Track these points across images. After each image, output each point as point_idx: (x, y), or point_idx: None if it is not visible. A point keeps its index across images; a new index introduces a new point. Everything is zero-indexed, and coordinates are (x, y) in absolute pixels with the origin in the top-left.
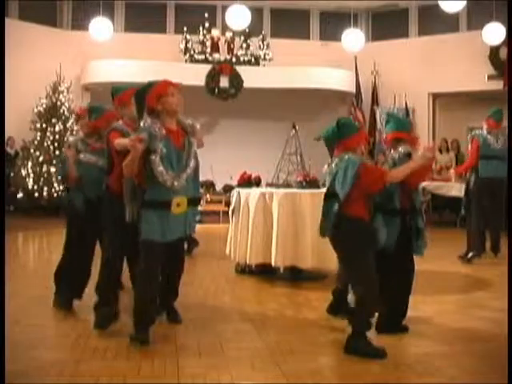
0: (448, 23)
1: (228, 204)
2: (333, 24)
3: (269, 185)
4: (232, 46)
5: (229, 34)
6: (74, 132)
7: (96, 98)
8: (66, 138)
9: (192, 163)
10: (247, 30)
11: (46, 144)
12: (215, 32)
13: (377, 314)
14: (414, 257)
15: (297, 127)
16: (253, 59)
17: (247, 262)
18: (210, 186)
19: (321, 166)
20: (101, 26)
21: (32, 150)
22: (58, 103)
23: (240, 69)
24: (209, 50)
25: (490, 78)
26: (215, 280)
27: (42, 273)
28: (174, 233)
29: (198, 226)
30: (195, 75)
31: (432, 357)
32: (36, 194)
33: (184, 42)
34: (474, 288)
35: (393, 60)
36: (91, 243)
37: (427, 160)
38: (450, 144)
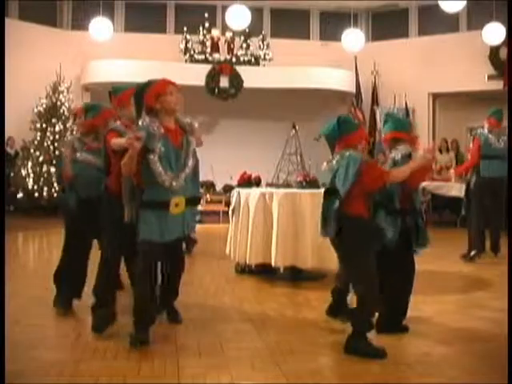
0: (448, 23)
1: (228, 204)
2: (333, 24)
3: (269, 185)
4: (232, 45)
5: (229, 34)
6: (74, 132)
7: (96, 97)
8: (65, 138)
9: (191, 162)
10: (247, 30)
11: (45, 144)
12: (215, 32)
13: (377, 314)
14: (415, 257)
15: (297, 127)
16: (253, 59)
17: (247, 261)
18: (210, 186)
19: (321, 166)
20: (101, 26)
21: (32, 150)
22: (58, 103)
23: (240, 69)
24: (209, 50)
25: (490, 78)
26: (215, 280)
27: (42, 273)
28: (173, 233)
29: (198, 226)
30: (195, 75)
31: (432, 357)
32: (36, 194)
33: (184, 41)
34: (473, 288)
35: (393, 60)
36: (87, 243)
37: (427, 161)
38: (450, 144)
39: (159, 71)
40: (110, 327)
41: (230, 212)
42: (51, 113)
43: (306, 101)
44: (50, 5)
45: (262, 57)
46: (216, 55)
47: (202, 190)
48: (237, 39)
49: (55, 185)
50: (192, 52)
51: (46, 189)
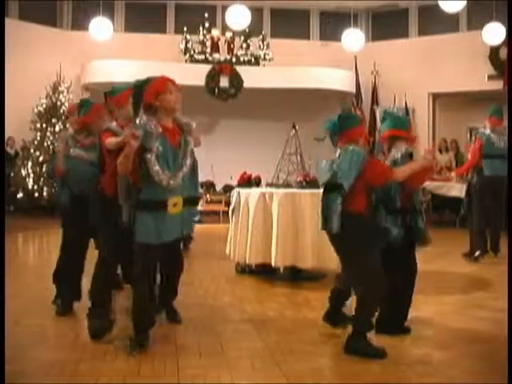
0: (448, 23)
1: (228, 204)
2: (333, 24)
3: (269, 185)
4: (232, 46)
5: (229, 34)
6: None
7: (96, 98)
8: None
9: (188, 162)
10: (247, 30)
11: (45, 144)
12: (215, 32)
13: (376, 313)
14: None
15: (297, 127)
16: (253, 59)
17: (247, 261)
18: (210, 186)
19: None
20: (101, 26)
21: (32, 150)
22: (58, 103)
23: (240, 69)
24: (209, 49)
25: (490, 77)
26: (215, 280)
27: (42, 273)
28: (171, 234)
29: (198, 226)
30: (195, 75)
31: (432, 357)
32: (36, 194)
33: (184, 42)
34: (474, 288)
35: (393, 60)
36: (83, 242)
37: (428, 162)
38: (450, 144)
39: (159, 71)
40: (113, 325)
41: (230, 212)
42: (51, 113)
43: (306, 101)
44: (50, 5)
45: (262, 57)
46: (216, 55)
47: (201, 190)
48: (237, 39)
49: (55, 185)
50: (192, 52)
51: (45, 189)
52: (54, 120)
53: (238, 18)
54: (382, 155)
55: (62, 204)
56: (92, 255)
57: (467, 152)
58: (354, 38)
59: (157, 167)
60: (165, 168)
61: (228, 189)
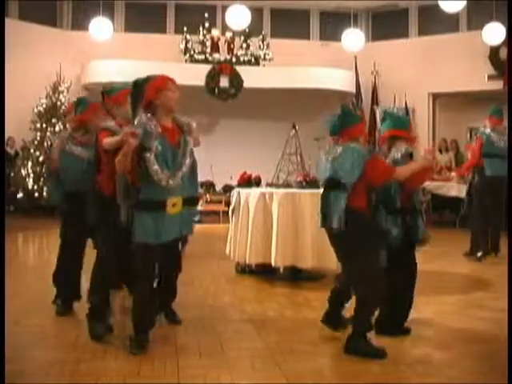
0: (448, 23)
1: (228, 204)
2: (333, 24)
3: (269, 185)
4: (232, 46)
5: (229, 34)
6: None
7: (96, 97)
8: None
9: (188, 161)
10: (247, 30)
11: (45, 144)
12: (215, 32)
13: (376, 313)
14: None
15: (297, 127)
16: (253, 59)
17: (247, 261)
18: (209, 186)
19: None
20: (101, 26)
21: (32, 150)
22: (58, 103)
23: (240, 69)
24: (209, 49)
25: (490, 77)
26: (215, 280)
27: (42, 273)
28: (170, 234)
29: (198, 226)
30: (195, 75)
31: (432, 357)
32: (36, 194)
33: (184, 42)
34: (474, 288)
35: (393, 60)
36: (81, 240)
37: (428, 162)
38: (449, 144)
39: (159, 71)
40: (113, 324)
41: (230, 212)
42: (51, 113)
43: (306, 101)
44: (50, 5)
45: (262, 57)
46: (216, 55)
47: (201, 190)
48: (237, 39)
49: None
50: (192, 52)
51: (45, 189)
52: (54, 120)
53: (238, 18)
54: (382, 156)
55: (54, 201)
56: (91, 255)
57: (467, 152)
58: (353, 38)
59: (156, 166)
60: (164, 167)
61: (228, 189)
